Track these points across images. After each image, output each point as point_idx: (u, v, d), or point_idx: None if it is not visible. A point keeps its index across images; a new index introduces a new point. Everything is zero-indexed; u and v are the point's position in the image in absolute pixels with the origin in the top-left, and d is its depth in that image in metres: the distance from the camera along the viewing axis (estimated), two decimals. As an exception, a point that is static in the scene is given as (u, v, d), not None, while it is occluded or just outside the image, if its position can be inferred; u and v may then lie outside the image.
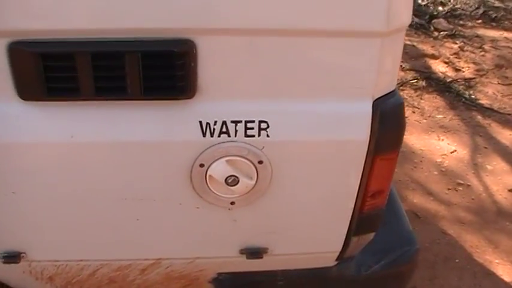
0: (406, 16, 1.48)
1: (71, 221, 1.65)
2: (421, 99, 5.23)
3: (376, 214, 1.78)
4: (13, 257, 1.71)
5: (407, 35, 6.58)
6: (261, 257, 1.78)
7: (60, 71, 1.38)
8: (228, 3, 1.34)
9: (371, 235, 1.89)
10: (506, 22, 7.49)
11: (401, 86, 5.36)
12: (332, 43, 1.42)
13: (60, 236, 1.70)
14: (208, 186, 1.56)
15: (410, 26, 6.68)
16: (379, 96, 1.54)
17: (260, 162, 1.53)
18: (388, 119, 1.55)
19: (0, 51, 1.36)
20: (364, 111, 1.52)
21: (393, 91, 1.59)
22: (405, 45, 6.25)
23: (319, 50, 1.43)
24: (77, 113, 1.46)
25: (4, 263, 1.71)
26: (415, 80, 5.55)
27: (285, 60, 1.43)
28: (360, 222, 1.74)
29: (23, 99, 1.43)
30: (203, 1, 1.33)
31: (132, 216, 1.65)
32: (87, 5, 1.32)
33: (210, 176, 1.54)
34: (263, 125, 1.49)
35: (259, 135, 1.50)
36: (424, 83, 5.52)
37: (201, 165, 1.52)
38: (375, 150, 1.57)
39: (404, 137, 4.14)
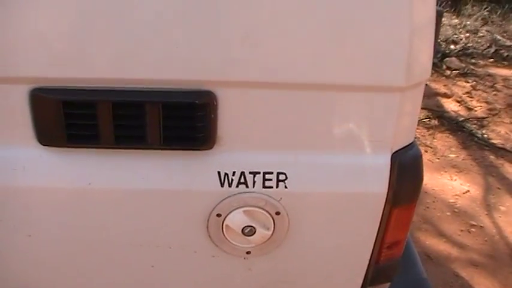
0: (425, 71, 1.49)
1: (87, 265, 1.65)
2: (434, 138, 5.23)
3: (392, 264, 1.77)
4: (26, 300, 1.70)
5: (419, 73, 6.63)
6: (275, 306, 1.76)
7: (80, 118, 1.40)
8: (249, 57, 1.35)
9: (386, 285, 1.87)
10: (517, 61, 7.52)
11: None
12: (352, 97, 1.43)
13: (76, 279, 1.69)
14: (224, 236, 1.56)
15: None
16: (398, 148, 1.54)
17: (277, 213, 1.53)
18: (406, 171, 1.55)
19: (22, 97, 1.38)
20: (383, 163, 1.52)
21: (411, 143, 1.58)
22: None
23: (339, 103, 1.44)
24: (96, 160, 1.47)
25: (20, 306, 1.71)
26: (428, 119, 5.56)
27: (304, 113, 1.44)
28: (375, 273, 1.73)
29: (43, 144, 1.44)
30: (224, 54, 1.34)
31: (148, 262, 1.64)
32: (109, 55, 1.34)
33: (226, 225, 1.53)
34: (281, 177, 1.49)
35: (277, 186, 1.50)
36: (436, 122, 5.52)
37: (218, 215, 1.52)
38: (393, 202, 1.56)
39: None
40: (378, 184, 1.53)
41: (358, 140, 1.49)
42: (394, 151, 1.53)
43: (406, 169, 1.55)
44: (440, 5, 9.35)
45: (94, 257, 1.63)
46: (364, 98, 1.44)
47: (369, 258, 1.67)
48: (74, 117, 1.39)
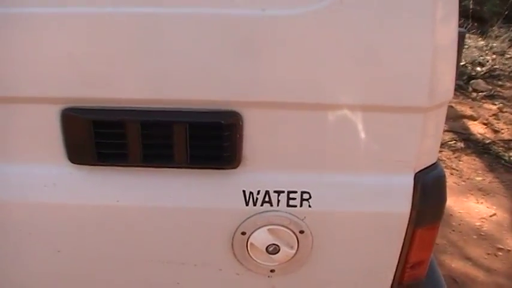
0: (448, 91, 1.50)
1: (115, 281, 1.68)
2: (460, 161, 5.18)
3: (415, 284, 1.76)
4: (55, 315, 1.73)
5: (445, 95, 6.59)
6: (299, 325, 1.77)
7: (110, 137, 1.43)
8: (274, 78, 1.38)
9: (410, 306, 1.86)
10: (544, 83, 7.44)
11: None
12: (376, 117, 1.45)
13: (102, 295, 1.72)
14: (249, 254, 1.58)
15: (449, 86, 6.67)
16: (421, 169, 1.55)
17: (301, 231, 1.54)
18: (429, 191, 1.56)
19: (54, 116, 1.42)
20: (406, 184, 1.53)
21: (435, 163, 1.59)
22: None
23: (363, 123, 1.46)
24: (124, 178, 1.51)
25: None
26: (454, 142, 5.52)
27: (328, 134, 1.46)
28: (399, 293, 1.73)
29: (73, 162, 1.48)
30: (250, 75, 1.37)
31: (173, 279, 1.66)
32: (137, 76, 1.38)
33: (251, 243, 1.55)
34: (305, 196, 1.51)
35: (301, 205, 1.51)
36: (462, 145, 5.48)
37: (243, 233, 1.54)
38: (416, 222, 1.56)
39: (442, 199, 4.08)
40: (401, 204, 1.54)
41: (381, 160, 1.51)
42: (417, 171, 1.54)
43: (429, 189, 1.55)
44: (466, 27, 9.33)
45: (121, 273, 1.66)
46: (387, 118, 1.45)
47: (392, 278, 1.68)
48: (103, 136, 1.43)
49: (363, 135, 1.47)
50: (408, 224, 1.56)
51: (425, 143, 1.52)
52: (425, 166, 1.56)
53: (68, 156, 1.48)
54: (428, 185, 1.55)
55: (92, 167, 1.50)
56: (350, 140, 1.47)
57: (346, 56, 1.37)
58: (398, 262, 1.64)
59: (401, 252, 1.62)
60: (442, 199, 1.63)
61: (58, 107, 1.42)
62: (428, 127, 1.49)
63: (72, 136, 1.45)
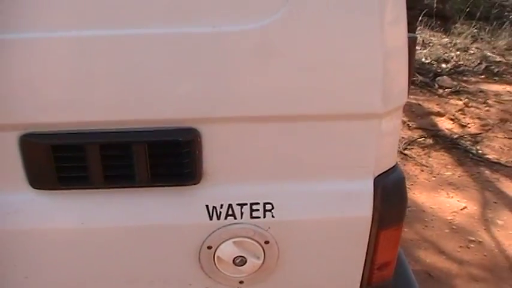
0: (401, 96, 1.53)
1: (83, 304, 1.68)
2: (429, 157, 5.25)
3: (384, 285, 1.78)
4: None
5: (412, 93, 6.67)
6: (270, 333, 1.78)
7: (70, 161, 1.44)
8: (229, 94, 1.40)
9: (380, 307, 1.89)
10: (508, 76, 7.56)
11: (408, 145, 5.39)
12: (332, 126, 1.47)
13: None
14: (216, 267, 1.59)
15: (415, 84, 6.84)
16: (380, 173, 1.57)
17: (266, 242, 1.56)
18: (389, 194, 1.58)
19: (13, 142, 1.42)
20: (366, 188, 1.55)
21: (394, 167, 1.62)
22: (411, 104, 6.35)
23: (320, 133, 1.48)
24: (87, 200, 1.51)
25: None
26: (423, 139, 5.58)
27: (286, 144, 1.48)
28: (368, 295, 1.75)
29: (35, 188, 1.48)
30: (205, 92, 1.39)
31: (143, 297, 1.67)
32: (95, 99, 1.39)
33: (218, 257, 1.56)
34: (268, 207, 1.53)
35: (264, 216, 1.53)
36: (431, 141, 5.55)
37: (209, 247, 1.55)
38: (379, 224, 1.59)
39: (414, 196, 4.17)
40: (363, 208, 1.57)
41: (341, 166, 1.53)
42: (376, 175, 1.57)
43: (389, 192, 1.58)
44: (430, 25, 9.46)
45: (90, 295, 1.65)
46: (344, 126, 1.48)
47: (360, 280, 1.70)
48: (63, 160, 1.43)
49: (321, 143, 1.50)
50: (371, 227, 1.59)
51: (383, 147, 1.55)
52: (384, 170, 1.59)
53: (29, 182, 1.47)
54: (388, 188, 1.58)
55: (54, 191, 1.49)
56: (309, 149, 1.50)
57: (299, 68, 1.39)
58: (365, 264, 1.67)
59: (367, 255, 1.65)
60: (403, 201, 1.66)
61: (16, 133, 1.41)
62: (384, 132, 1.52)
63: (32, 162, 1.44)
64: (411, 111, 6.17)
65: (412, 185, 4.70)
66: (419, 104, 6.40)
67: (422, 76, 7.08)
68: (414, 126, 5.84)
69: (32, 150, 1.43)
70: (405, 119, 5.99)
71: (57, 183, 1.46)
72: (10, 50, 1.34)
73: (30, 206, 1.51)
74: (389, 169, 1.60)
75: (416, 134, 5.69)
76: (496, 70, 7.68)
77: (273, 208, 1.53)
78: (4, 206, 1.50)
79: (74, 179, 1.46)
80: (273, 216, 1.53)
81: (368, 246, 1.63)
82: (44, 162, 1.43)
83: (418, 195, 4.53)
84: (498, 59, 8.05)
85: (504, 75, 7.57)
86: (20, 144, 1.42)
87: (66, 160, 1.43)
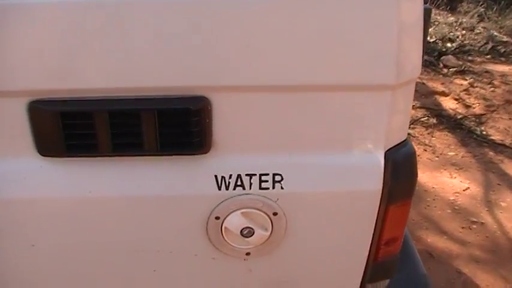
0: (415, 68, 1.51)
1: (90, 272, 1.68)
2: (432, 137, 5.24)
3: (390, 261, 1.79)
4: (32, 309, 1.72)
5: (416, 72, 6.62)
6: (276, 306, 1.79)
7: (78, 128, 1.42)
8: (241, 62, 1.38)
9: (386, 282, 1.89)
10: (515, 56, 7.53)
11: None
12: (344, 97, 1.46)
13: (78, 286, 1.71)
14: (223, 238, 1.58)
15: (419, 63, 6.71)
16: (391, 146, 1.56)
17: (275, 213, 1.55)
18: (400, 168, 1.57)
19: (21, 109, 1.40)
20: (376, 162, 1.54)
21: (404, 141, 1.61)
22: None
23: (331, 103, 1.46)
24: (95, 169, 1.50)
25: (22, 315, 1.73)
26: (426, 118, 5.57)
27: (297, 115, 1.46)
28: (374, 270, 1.75)
29: (43, 155, 1.47)
30: (217, 60, 1.37)
31: (150, 267, 1.66)
32: (103, 65, 1.37)
33: (225, 228, 1.56)
34: (277, 178, 1.51)
35: (273, 187, 1.52)
36: (435, 121, 5.53)
37: (217, 218, 1.55)
38: (388, 199, 1.58)
39: (417, 175, 4.13)
40: (373, 182, 1.56)
41: (351, 139, 1.52)
42: (387, 149, 1.55)
43: (400, 166, 1.57)
44: (435, 4, 9.38)
45: (96, 264, 1.65)
46: (356, 97, 1.46)
47: (367, 255, 1.70)
48: (72, 127, 1.42)
49: (332, 115, 1.48)
50: (380, 202, 1.58)
51: (395, 120, 1.53)
52: (395, 143, 1.58)
53: (37, 149, 1.46)
54: (398, 162, 1.57)
55: (62, 159, 1.48)
56: (320, 120, 1.48)
57: (312, 36, 1.37)
58: (372, 239, 1.66)
59: (374, 230, 1.64)
60: (413, 175, 1.65)
61: (24, 100, 1.39)
62: (396, 105, 1.50)
63: (41, 129, 1.43)
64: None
65: (415, 164, 4.69)
66: (423, 83, 6.37)
67: (427, 55, 7.03)
68: (418, 105, 5.82)
69: (40, 117, 1.41)
70: (409, 98, 5.95)
71: (65, 151, 1.45)
72: (18, 15, 1.31)
73: (38, 174, 1.50)
74: (400, 143, 1.59)
75: (419, 113, 5.67)
76: (502, 50, 7.63)
77: (282, 179, 1.52)
78: (12, 173, 1.49)
79: (82, 147, 1.45)
80: (282, 188, 1.52)
81: (376, 220, 1.62)
82: (53, 129, 1.41)
83: (421, 175, 4.52)
84: (505, 39, 7.99)
85: (510, 56, 7.52)
86: (29, 111, 1.40)
87: (75, 127, 1.42)
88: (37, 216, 1.55)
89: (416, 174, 1.66)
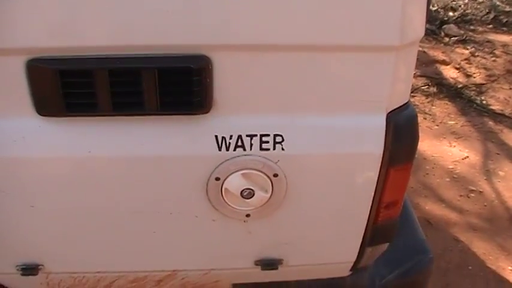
0: (419, 30, 1.49)
1: (89, 233, 1.68)
2: (432, 105, 5.22)
3: (390, 225, 1.79)
4: (31, 269, 1.73)
5: (418, 40, 6.58)
6: (276, 268, 1.79)
7: (78, 87, 1.41)
8: (243, 20, 1.36)
9: (385, 245, 1.89)
10: (517, 27, 7.46)
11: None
12: (346, 58, 1.44)
13: (77, 248, 1.72)
14: (224, 199, 1.58)
15: (421, 31, 6.68)
16: (393, 109, 1.55)
17: (275, 175, 1.55)
18: (401, 131, 1.56)
19: (19, 68, 1.38)
20: (378, 124, 1.53)
21: (406, 103, 1.60)
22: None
23: (334, 64, 1.45)
24: (95, 129, 1.49)
25: (23, 275, 1.74)
26: (426, 87, 5.54)
27: (299, 75, 1.45)
28: (374, 233, 1.75)
29: (41, 115, 1.45)
30: (218, 18, 1.35)
31: (149, 228, 1.67)
32: (104, 23, 1.35)
33: (225, 189, 1.56)
34: (278, 139, 1.51)
35: (274, 148, 1.51)
36: (435, 89, 5.50)
37: (217, 179, 1.54)
38: (389, 162, 1.58)
39: (416, 144, 4.13)
40: (374, 144, 1.55)
41: (353, 101, 1.50)
42: (389, 111, 1.54)
43: (401, 129, 1.56)
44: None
45: (96, 224, 1.65)
46: (359, 58, 1.45)
47: (367, 218, 1.70)
48: (71, 86, 1.40)
49: (334, 76, 1.47)
50: (381, 164, 1.58)
51: (397, 82, 1.52)
52: (397, 106, 1.57)
53: (36, 108, 1.44)
54: (400, 125, 1.56)
55: (61, 118, 1.47)
56: (322, 81, 1.47)
57: None
58: (373, 202, 1.66)
59: (375, 193, 1.64)
60: (414, 139, 1.65)
61: (23, 58, 1.37)
62: (399, 66, 1.49)
63: (39, 87, 1.41)
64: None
65: (414, 132, 4.68)
66: (424, 52, 6.32)
67: (429, 23, 6.93)
68: (418, 73, 5.78)
69: (39, 75, 1.39)
70: (410, 66, 5.93)
71: (64, 110, 1.43)
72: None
73: (36, 134, 1.49)
74: (402, 105, 1.58)
75: (420, 81, 5.64)
76: (504, 20, 7.55)
77: (283, 141, 1.51)
78: (11, 133, 1.48)
79: (82, 106, 1.44)
80: (282, 149, 1.51)
81: (377, 183, 1.62)
82: (51, 88, 1.40)
83: (420, 143, 4.45)
84: (507, 9, 7.90)
85: (513, 26, 7.47)
86: (27, 70, 1.38)
87: (74, 86, 1.40)
88: (36, 177, 1.55)
89: (418, 137, 1.66)
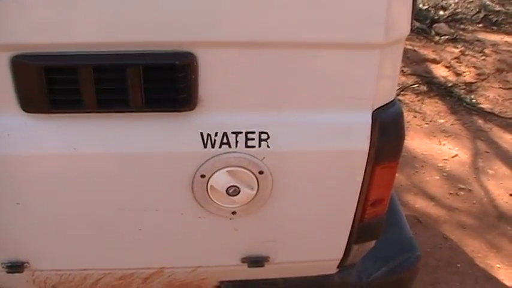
0: (404, 27, 1.50)
1: (74, 230, 1.67)
2: (423, 103, 5.23)
3: (376, 222, 1.80)
4: (17, 267, 1.73)
5: (408, 39, 6.56)
6: (263, 266, 1.80)
7: (62, 84, 1.40)
8: (228, 17, 1.36)
9: (372, 243, 1.90)
10: (507, 26, 7.45)
11: (402, 90, 5.36)
12: (331, 55, 1.45)
13: (63, 245, 1.72)
14: (209, 197, 1.58)
15: (412, 30, 6.70)
16: (379, 106, 1.55)
17: (261, 172, 1.55)
18: (387, 128, 1.57)
19: (4, 64, 1.38)
20: (364, 121, 1.54)
21: (392, 101, 1.60)
22: (406, 50, 6.27)
23: (319, 61, 1.45)
24: (80, 125, 1.49)
25: (8, 272, 1.73)
26: (417, 85, 5.55)
27: (284, 72, 1.45)
28: (360, 231, 1.76)
29: (26, 111, 1.45)
30: (203, 15, 1.35)
31: (135, 226, 1.66)
32: (88, 19, 1.34)
33: (211, 186, 1.56)
34: (263, 136, 1.51)
35: (259, 145, 1.52)
36: (425, 88, 5.51)
37: (203, 176, 1.54)
38: (375, 159, 1.58)
39: (406, 141, 4.15)
40: (360, 141, 1.56)
41: (338, 98, 1.51)
42: (375, 109, 1.55)
43: (387, 126, 1.57)
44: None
45: (82, 222, 1.65)
46: (344, 55, 1.45)
47: (353, 215, 1.70)
48: (56, 82, 1.40)
49: (319, 73, 1.47)
50: (367, 161, 1.58)
51: (383, 80, 1.52)
52: (383, 103, 1.57)
53: (20, 105, 1.44)
54: (386, 122, 1.56)
55: (46, 115, 1.47)
56: (306, 78, 1.47)
57: None
58: (359, 200, 1.67)
59: (361, 190, 1.65)
60: (400, 137, 1.65)
61: (8, 54, 1.37)
62: (385, 64, 1.50)
63: (24, 84, 1.41)
64: (406, 57, 6.11)
65: (404, 131, 4.69)
66: (414, 51, 6.33)
67: (419, 22, 6.98)
68: (409, 72, 5.79)
69: (23, 71, 1.39)
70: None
71: (49, 107, 1.43)
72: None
73: (21, 130, 1.49)
74: (388, 103, 1.58)
75: (410, 80, 5.65)
76: (494, 20, 7.57)
77: (268, 138, 1.51)
78: None
79: (67, 103, 1.44)
80: (268, 146, 1.52)
81: (363, 181, 1.63)
82: (36, 84, 1.39)
83: (410, 141, 4.53)
84: (497, 8, 7.93)
85: (502, 25, 7.47)
86: (11, 66, 1.38)
87: (59, 82, 1.40)
88: (21, 174, 1.54)
89: (404, 135, 1.66)
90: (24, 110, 1.44)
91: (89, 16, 1.34)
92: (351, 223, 1.73)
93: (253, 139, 1.51)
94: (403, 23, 1.49)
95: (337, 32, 1.41)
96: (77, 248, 1.72)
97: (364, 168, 1.59)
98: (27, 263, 1.73)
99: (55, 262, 1.77)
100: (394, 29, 1.45)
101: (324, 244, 1.80)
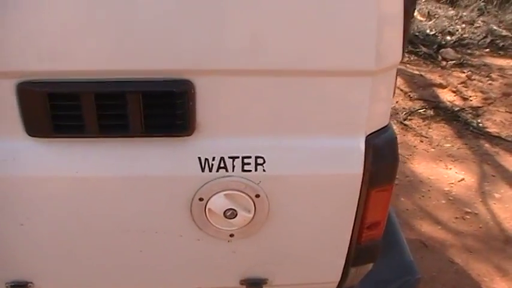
0: (396, 54, 1.53)
1: (77, 251, 1.71)
2: (429, 128, 5.24)
3: (373, 245, 1.82)
4: (21, 287, 1.76)
5: (415, 64, 6.62)
6: (261, 288, 1.82)
7: (65, 109, 1.45)
8: (224, 46, 1.41)
9: (369, 266, 1.91)
10: (513, 51, 7.50)
11: (409, 115, 5.39)
12: (325, 82, 1.49)
13: (66, 266, 1.75)
14: (207, 219, 1.61)
15: (419, 55, 6.78)
16: (372, 131, 1.59)
17: (257, 195, 1.58)
18: (381, 153, 1.60)
19: (10, 90, 1.43)
20: (357, 146, 1.57)
21: (386, 126, 1.64)
22: (413, 75, 6.32)
23: (313, 88, 1.49)
24: (82, 150, 1.53)
25: (12, 292, 1.76)
26: (423, 110, 5.57)
27: (279, 99, 1.49)
28: (357, 254, 1.78)
29: (31, 135, 1.50)
30: (201, 44, 1.40)
31: (136, 247, 1.70)
32: (91, 48, 1.40)
33: (209, 209, 1.59)
34: (259, 160, 1.54)
35: (255, 170, 1.55)
36: (432, 112, 5.53)
37: (201, 199, 1.58)
38: (370, 183, 1.61)
39: (412, 166, 4.18)
40: (354, 166, 1.59)
41: (332, 123, 1.54)
42: (368, 134, 1.58)
43: (380, 151, 1.60)
44: (436, -3, 9.33)
45: (83, 243, 1.69)
46: (337, 82, 1.49)
47: (349, 238, 1.72)
48: (59, 108, 1.45)
49: (314, 99, 1.51)
50: (362, 185, 1.61)
51: (376, 105, 1.56)
52: (376, 129, 1.61)
53: (26, 129, 1.49)
54: (379, 147, 1.60)
55: (49, 139, 1.51)
56: (302, 104, 1.51)
57: (293, 23, 1.40)
58: (355, 223, 1.69)
59: (356, 214, 1.67)
60: (394, 161, 1.68)
61: (13, 81, 1.42)
62: (377, 90, 1.53)
63: (29, 109, 1.46)
64: (413, 82, 6.15)
65: (410, 155, 4.71)
66: (421, 75, 6.37)
67: (426, 48, 7.03)
68: (415, 97, 5.82)
69: (28, 98, 1.44)
70: (407, 89, 5.97)
71: (52, 132, 1.48)
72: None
73: (26, 154, 1.53)
74: (381, 128, 1.62)
75: (417, 104, 5.67)
76: (501, 44, 7.59)
77: (264, 162, 1.55)
78: (1, 153, 1.52)
79: (69, 128, 1.48)
80: (264, 170, 1.55)
81: (358, 204, 1.65)
82: (40, 110, 1.44)
83: (417, 165, 4.55)
84: (504, 33, 7.95)
85: (509, 50, 7.49)
86: (17, 92, 1.43)
87: (62, 108, 1.45)
88: (25, 196, 1.58)
89: (397, 159, 1.69)
90: (28, 134, 1.49)
91: (91, 45, 1.39)
92: (347, 246, 1.75)
93: (249, 163, 1.55)
94: (395, 50, 1.53)
95: (329, 59, 1.45)
96: (79, 268, 1.75)
97: (359, 192, 1.62)
98: (31, 282, 1.76)
99: (58, 282, 1.80)
100: (385, 56, 1.48)
101: (322, 267, 1.82)
